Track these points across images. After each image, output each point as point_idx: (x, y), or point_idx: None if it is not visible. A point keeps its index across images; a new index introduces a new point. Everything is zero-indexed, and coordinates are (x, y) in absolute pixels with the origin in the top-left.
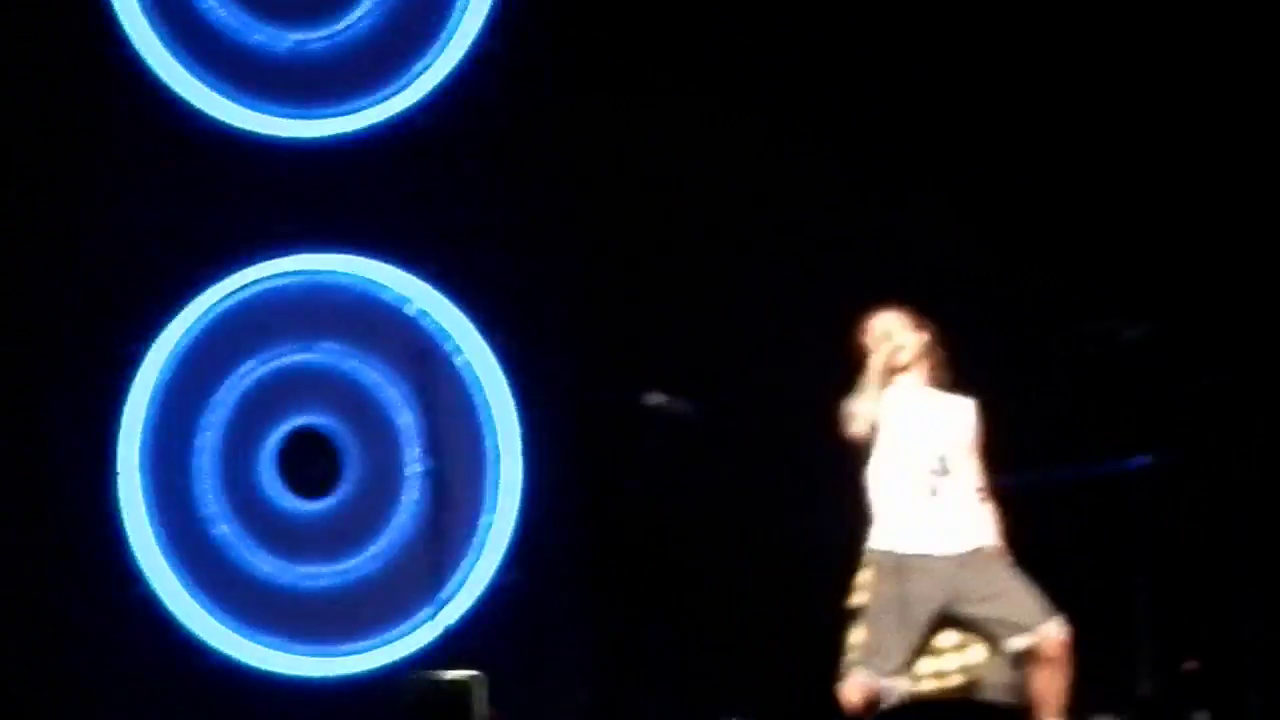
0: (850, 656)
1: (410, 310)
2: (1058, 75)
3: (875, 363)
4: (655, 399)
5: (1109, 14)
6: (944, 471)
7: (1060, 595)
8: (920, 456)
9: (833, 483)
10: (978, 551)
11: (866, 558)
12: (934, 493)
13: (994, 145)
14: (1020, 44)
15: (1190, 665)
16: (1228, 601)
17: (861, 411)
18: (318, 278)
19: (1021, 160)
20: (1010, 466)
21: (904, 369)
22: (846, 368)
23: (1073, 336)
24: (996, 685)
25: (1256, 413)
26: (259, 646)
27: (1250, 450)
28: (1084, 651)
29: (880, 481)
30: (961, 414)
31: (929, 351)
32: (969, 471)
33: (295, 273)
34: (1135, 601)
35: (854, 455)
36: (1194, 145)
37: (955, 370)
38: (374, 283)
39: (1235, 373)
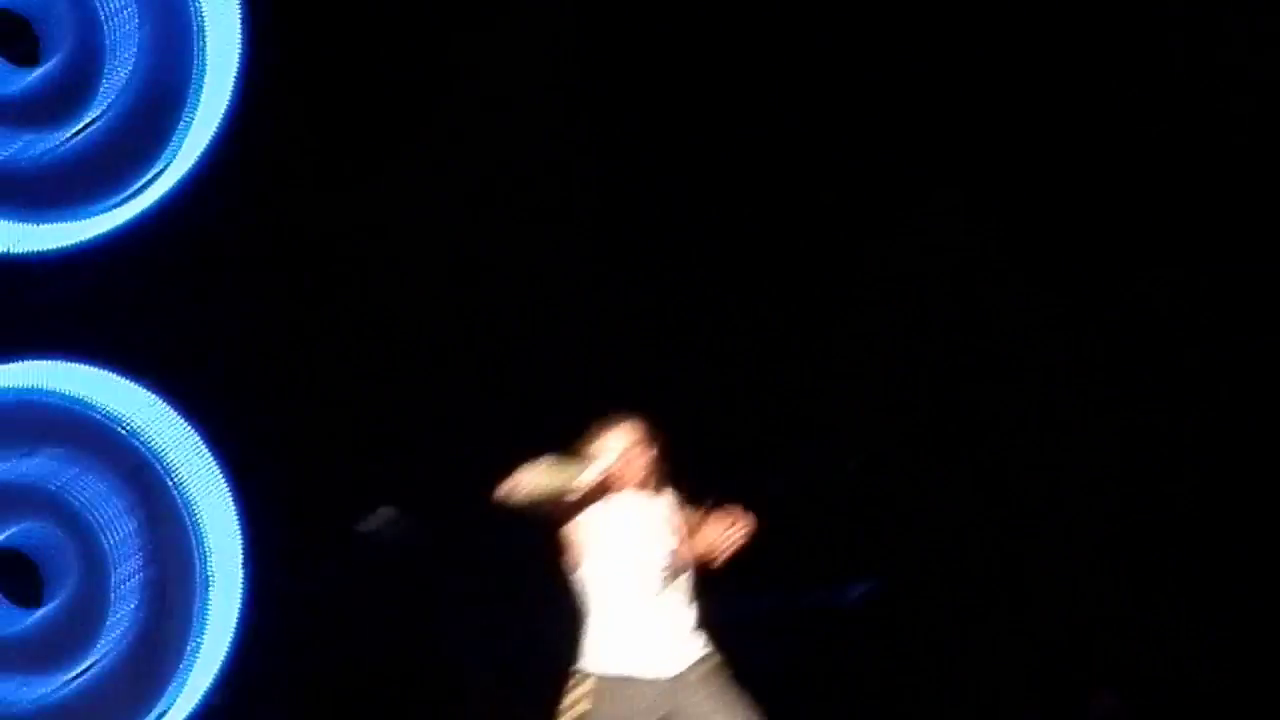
0: None
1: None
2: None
3: (595, 467)
4: (374, 520)
5: None
6: (667, 588)
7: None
8: (641, 574)
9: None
10: (695, 668)
11: (578, 678)
12: (656, 611)
13: None
14: None
15: None
16: None
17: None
18: (30, 389)
19: None
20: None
21: (625, 486)
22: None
23: (792, 465)
24: None
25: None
26: None
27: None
28: None
29: (601, 601)
30: (673, 525)
31: (652, 469)
32: (687, 589)
33: (7, 388)
34: None
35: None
36: None
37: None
38: (88, 396)
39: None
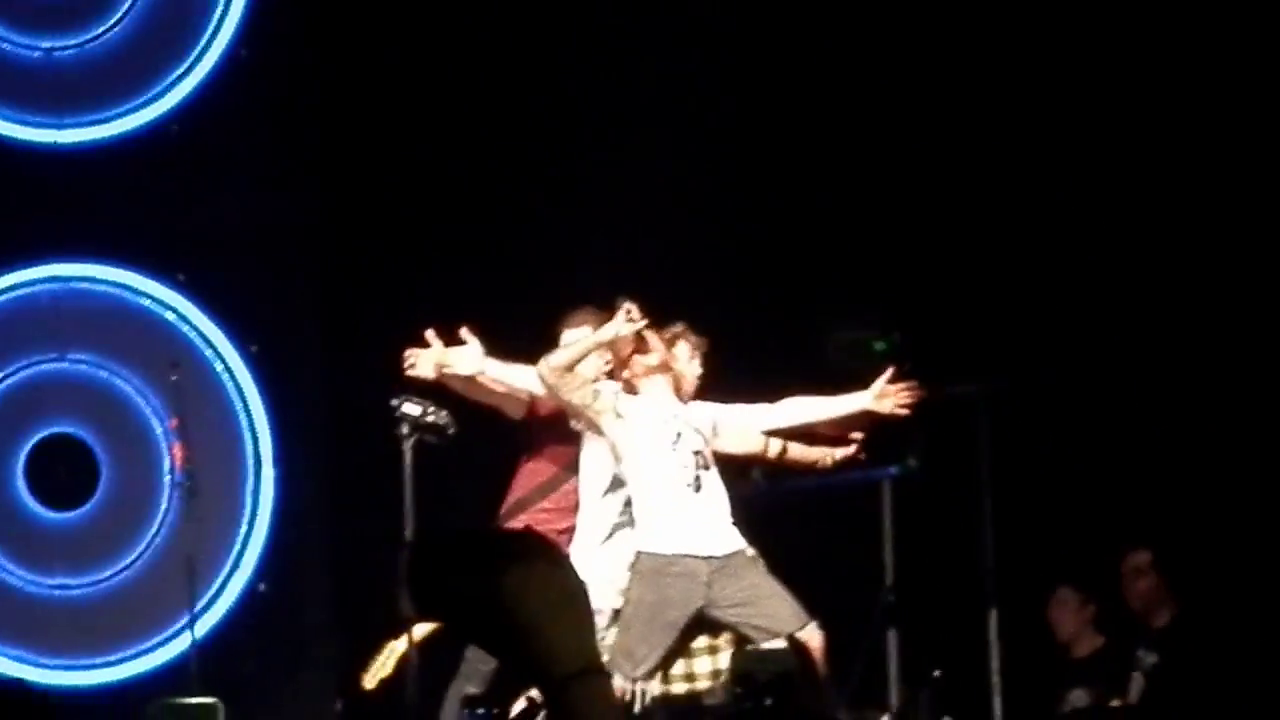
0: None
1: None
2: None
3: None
4: (410, 407)
5: None
6: (703, 472)
7: (811, 602)
8: (681, 459)
9: None
10: (736, 555)
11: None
12: (695, 492)
13: (734, 149)
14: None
15: (937, 673)
16: (973, 611)
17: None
18: (69, 285)
19: (760, 169)
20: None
21: (651, 371)
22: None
23: (823, 346)
24: None
25: (1004, 425)
26: (6, 659)
27: (994, 463)
28: (835, 658)
29: (641, 484)
30: (709, 418)
31: (674, 360)
32: (719, 477)
33: (46, 280)
34: (883, 610)
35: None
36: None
37: (708, 380)
38: (127, 289)
39: (979, 385)
